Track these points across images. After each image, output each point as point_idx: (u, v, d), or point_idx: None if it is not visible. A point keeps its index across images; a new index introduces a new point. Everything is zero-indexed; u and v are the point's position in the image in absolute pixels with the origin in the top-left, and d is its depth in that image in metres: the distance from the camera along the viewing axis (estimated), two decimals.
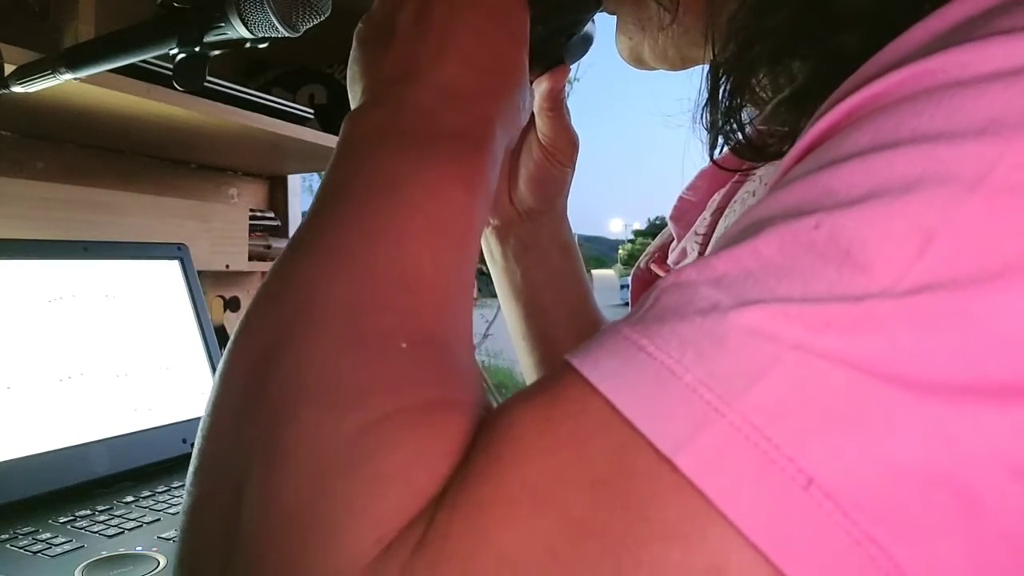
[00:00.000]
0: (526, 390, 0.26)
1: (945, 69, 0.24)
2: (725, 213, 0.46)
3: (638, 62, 0.48)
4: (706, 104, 0.39)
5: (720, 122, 0.39)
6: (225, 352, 0.31)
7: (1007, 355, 0.21)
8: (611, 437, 0.22)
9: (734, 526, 0.20)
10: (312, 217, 0.33)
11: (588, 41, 0.52)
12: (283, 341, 0.29)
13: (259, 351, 0.29)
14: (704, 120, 0.40)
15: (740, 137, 0.38)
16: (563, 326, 0.64)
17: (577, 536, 0.21)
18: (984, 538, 0.21)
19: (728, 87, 0.38)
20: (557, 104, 0.55)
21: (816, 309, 0.22)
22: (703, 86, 0.40)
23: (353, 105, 0.41)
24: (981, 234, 0.21)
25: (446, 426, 0.26)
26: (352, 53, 0.42)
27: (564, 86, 0.55)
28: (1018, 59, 0.23)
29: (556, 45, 0.50)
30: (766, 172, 0.43)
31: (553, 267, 0.63)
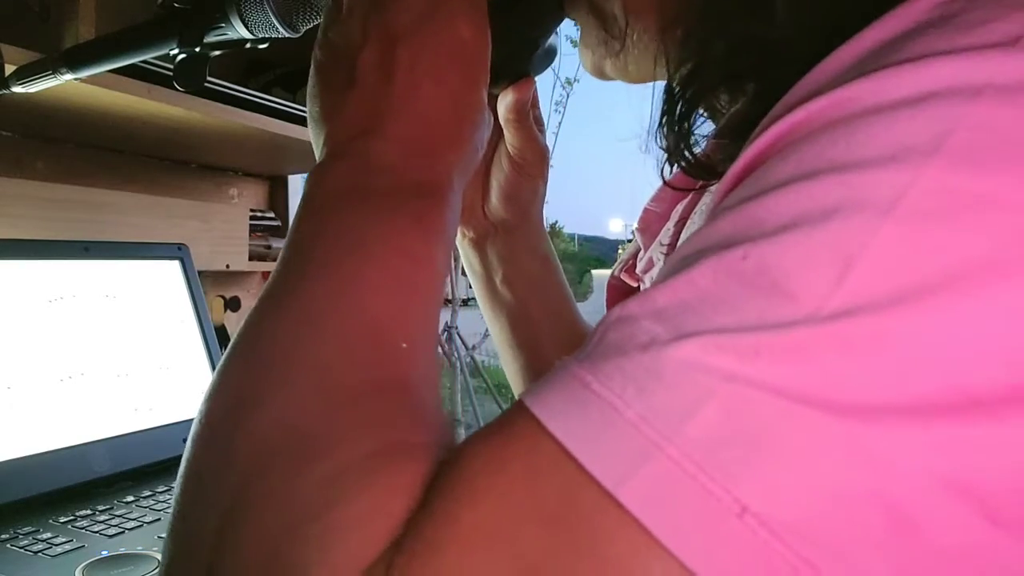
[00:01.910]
0: (484, 429, 0.27)
1: (859, 97, 0.24)
2: (688, 223, 0.47)
3: (600, 74, 0.49)
4: (660, 125, 0.40)
5: (671, 143, 0.39)
6: (199, 408, 0.32)
7: (927, 374, 0.21)
8: (559, 475, 0.23)
9: (676, 559, 0.21)
10: (280, 274, 0.35)
11: (552, 53, 0.52)
12: (253, 400, 0.30)
13: (230, 409, 0.30)
14: (658, 140, 0.41)
15: (690, 158, 0.39)
16: (547, 333, 0.64)
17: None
18: (918, 555, 0.21)
19: (679, 111, 0.38)
20: (523, 115, 0.55)
21: (746, 339, 0.22)
22: (654, 108, 0.41)
23: (315, 146, 0.41)
24: (896, 258, 0.22)
25: (403, 469, 0.27)
26: (311, 87, 0.42)
27: (529, 98, 0.55)
28: (924, 85, 0.23)
29: (521, 59, 0.51)
30: None
31: (532, 277, 0.63)
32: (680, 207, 0.49)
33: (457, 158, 0.40)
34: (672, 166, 0.42)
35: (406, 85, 0.38)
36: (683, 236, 0.47)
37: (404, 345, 0.31)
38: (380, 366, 0.31)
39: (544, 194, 0.61)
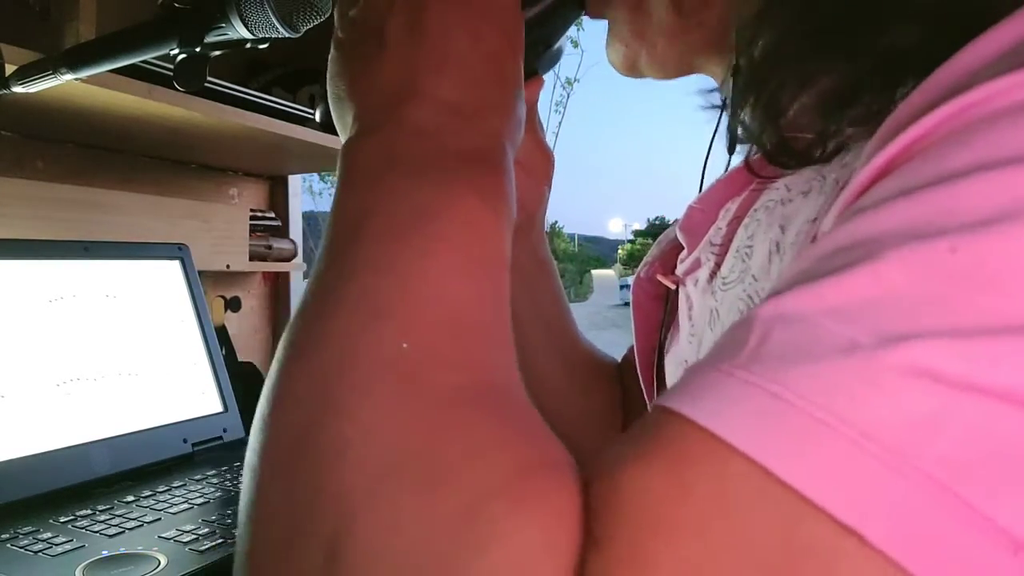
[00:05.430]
0: (630, 445, 0.23)
1: None
2: (745, 222, 0.43)
3: (631, 70, 0.47)
4: (739, 110, 0.37)
5: (756, 128, 0.36)
6: (257, 423, 0.27)
7: None
8: (771, 506, 0.20)
9: None
10: (330, 261, 0.30)
11: (559, 53, 0.52)
12: (330, 409, 0.25)
13: (302, 424, 0.26)
14: (730, 126, 0.38)
15: (777, 142, 0.36)
16: (539, 343, 0.62)
17: None
18: None
19: (766, 90, 0.35)
20: (531, 117, 0.54)
21: (977, 344, 0.20)
22: (729, 89, 0.38)
23: (341, 128, 0.37)
24: None
25: (556, 497, 0.23)
26: (332, 65, 0.37)
27: (538, 98, 0.53)
28: None
29: (532, 56, 0.50)
30: (792, 180, 0.40)
31: (530, 283, 0.62)
32: (732, 205, 0.46)
33: (504, 125, 0.36)
34: (731, 154, 0.40)
35: (440, 41, 0.35)
36: (739, 235, 0.43)
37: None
38: (470, 364, 0.27)
39: (548, 199, 0.61)
